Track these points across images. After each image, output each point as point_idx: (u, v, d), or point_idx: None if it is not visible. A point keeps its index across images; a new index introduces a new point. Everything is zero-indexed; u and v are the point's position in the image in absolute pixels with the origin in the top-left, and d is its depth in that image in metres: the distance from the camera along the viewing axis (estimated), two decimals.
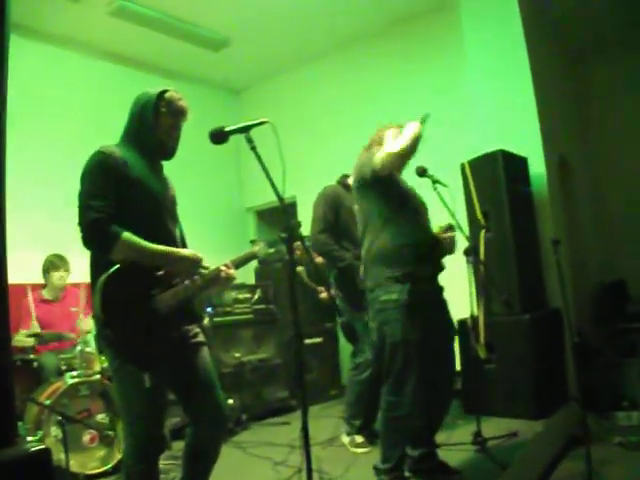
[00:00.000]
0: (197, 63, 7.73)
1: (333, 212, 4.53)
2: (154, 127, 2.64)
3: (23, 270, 5.14)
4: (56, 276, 5.20)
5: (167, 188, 2.80)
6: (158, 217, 2.66)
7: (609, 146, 7.38)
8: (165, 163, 2.81)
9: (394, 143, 3.34)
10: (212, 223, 7.94)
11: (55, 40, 6.61)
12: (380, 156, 3.32)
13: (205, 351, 2.74)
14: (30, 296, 5.00)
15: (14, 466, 1.38)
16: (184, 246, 2.82)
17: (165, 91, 2.68)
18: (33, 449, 1.42)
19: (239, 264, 2.75)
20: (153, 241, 2.50)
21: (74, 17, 6.28)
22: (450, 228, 4.70)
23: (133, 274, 2.45)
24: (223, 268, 2.64)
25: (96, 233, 2.41)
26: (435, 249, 3.48)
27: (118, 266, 2.39)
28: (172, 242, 2.66)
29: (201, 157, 7.01)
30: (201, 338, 2.75)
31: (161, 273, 2.49)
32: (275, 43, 7.36)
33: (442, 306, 3.61)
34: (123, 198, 2.49)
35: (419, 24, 6.90)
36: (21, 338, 4.71)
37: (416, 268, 3.31)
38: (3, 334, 1.52)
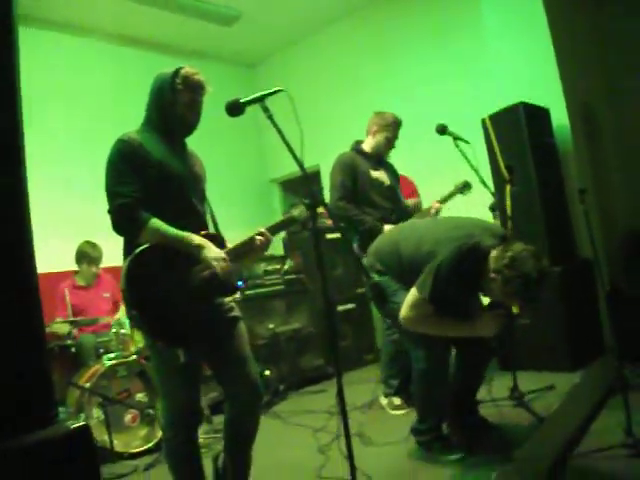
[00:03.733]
0: (210, 40, 7.73)
1: (350, 179, 4.52)
2: (173, 104, 2.66)
3: (57, 258, 5.24)
4: (88, 267, 5.29)
5: (192, 166, 2.84)
6: (184, 198, 2.70)
7: (635, 94, 7.22)
8: (189, 139, 2.85)
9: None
10: (237, 196, 7.99)
11: (67, 27, 6.64)
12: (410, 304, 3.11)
13: (240, 326, 2.78)
14: (65, 284, 5.11)
15: (56, 443, 1.42)
16: (214, 224, 2.84)
17: (180, 68, 2.69)
18: (73, 426, 1.45)
19: (277, 229, 2.77)
20: (181, 222, 2.56)
21: (85, 2, 6.28)
22: (465, 186, 4.68)
23: (159, 253, 2.49)
24: (258, 237, 2.64)
25: (124, 219, 2.49)
26: None
27: (142, 248, 2.44)
28: (200, 222, 2.73)
29: (222, 132, 7.03)
30: (236, 312, 2.80)
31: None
32: (286, 13, 7.31)
33: None
34: (147, 182, 2.54)
35: None
36: (57, 325, 4.79)
37: None
38: (36, 321, 1.55)
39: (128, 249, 2.53)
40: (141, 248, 2.44)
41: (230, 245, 2.69)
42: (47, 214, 4.84)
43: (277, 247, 7.53)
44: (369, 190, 4.50)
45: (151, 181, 2.55)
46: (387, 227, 4.30)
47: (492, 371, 4.91)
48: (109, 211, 2.51)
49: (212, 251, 2.54)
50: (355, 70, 7.47)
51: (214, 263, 2.51)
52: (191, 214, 2.70)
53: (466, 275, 2.99)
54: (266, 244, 2.67)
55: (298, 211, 2.77)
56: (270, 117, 2.32)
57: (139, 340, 4.35)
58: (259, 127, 8.10)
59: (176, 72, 2.67)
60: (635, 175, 7.11)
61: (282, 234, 7.80)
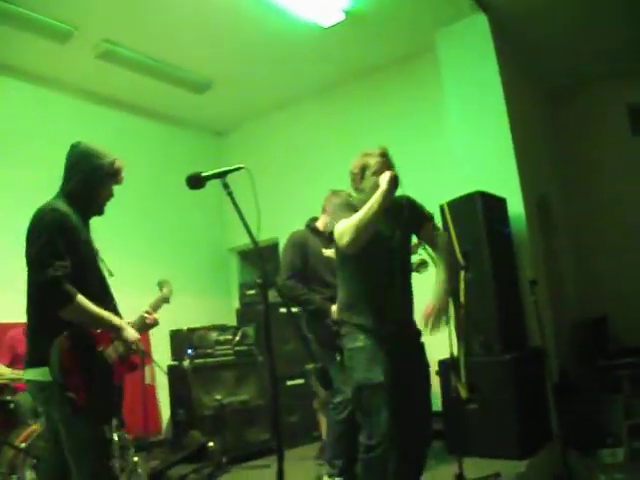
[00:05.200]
0: (181, 105, 7.80)
1: (300, 257, 4.53)
2: (100, 192, 2.81)
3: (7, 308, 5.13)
4: None
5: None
6: (99, 275, 2.83)
7: (587, 182, 7.49)
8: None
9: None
10: (195, 263, 7.95)
11: (41, 80, 6.66)
12: (338, 231, 3.20)
13: None
14: (14, 331, 5.03)
15: None
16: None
17: (115, 160, 2.81)
18: None
19: (156, 308, 3.11)
20: (98, 299, 2.67)
21: (61, 59, 6.35)
22: (422, 264, 4.75)
23: (82, 335, 2.59)
24: (146, 315, 2.99)
25: (53, 291, 2.49)
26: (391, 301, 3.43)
27: (65, 334, 2.51)
28: (111, 298, 2.90)
29: (183, 198, 7.05)
30: None
31: (99, 331, 2.66)
32: (257, 86, 7.44)
33: (417, 351, 3.57)
34: (74, 258, 2.59)
35: (399, 68, 7.05)
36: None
37: (373, 321, 3.31)
38: None
39: (42, 323, 2.58)
40: (64, 335, 2.49)
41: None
42: None
43: (230, 317, 7.48)
44: (320, 268, 4.52)
45: (77, 259, 2.60)
46: (335, 307, 4.31)
47: (439, 455, 4.90)
48: (37, 280, 2.53)
49: (130, 332, 2.74)
50: (321, 147, 7.59)
51: (135, 342, 2.73)
52: (104, 292, 2.83)
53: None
54: (154, 321, 3.04)
55: (166, 289, 3.27)
56: (230, 194, 2.36)
57: None
58: (220, 196, 8.08)
59: (112, 163, 2.79)
60: (585, 266, 7.30)
61: (236, 304, 7.77)
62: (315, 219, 4.74)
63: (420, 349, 3.55)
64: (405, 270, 3.56)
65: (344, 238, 3.12)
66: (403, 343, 3.43)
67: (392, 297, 3.39)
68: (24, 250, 2.63)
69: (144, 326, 2.98)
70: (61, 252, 2.53)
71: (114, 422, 2.69)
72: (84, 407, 2.48)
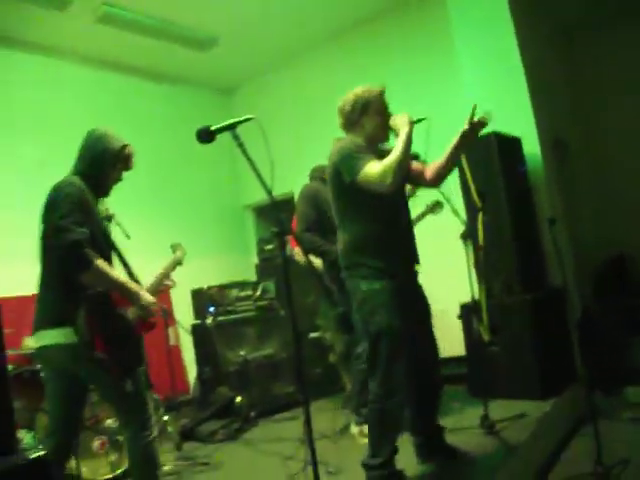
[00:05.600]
0: (187, 64, 7.71)
1: (314, 209, 4.56)
2: (109, 175, 2.99)
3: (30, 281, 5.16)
4: None
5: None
6: (107, 248, 3.00)
7: (605, 122, 7.34)
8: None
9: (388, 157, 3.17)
10: (211, 221, 7.97)
11: (43, 49, 6.60)
12: (376, 171, 3.14)
13: None
14: None
15: (15, 472, 1.42)
16: (126, 265, 3.17)
17: (126, 146, 2.99)
18: (32, 456, 1.44)
19: (169, 270, 3.38)
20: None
21: (61, 26, 6.27)
22: (437, 205, 4.73)
23: (102, 297, 2.78)
24: (161, 278, 3.30)
25: (75, 254, 2.64)
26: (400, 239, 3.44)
27: (89, 294, 2.70)
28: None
29: (196, 158, 7.03)
30: None
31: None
32: (263, 39, 7.33)
33: (419, 292, 3.60)
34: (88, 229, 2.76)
35: (409, 11, 6.91)
36: (27, 342, 4.75)
37: (389, 261, 3.31)
38: None
39: (65, 287, 2.72)
40: (86, 296, 2.68)
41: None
42: (16, 237, 4.80)
43: (250, 273, 7.51)
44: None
45: (90, 230, 2.74)
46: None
47: (463, 398, 4.93)
48: (58, 244, 2.64)
49: (146, 297, 2.90)
50: (332, 97, 7.44)
51: (151, 307, 2.91)
52: (110, 263, 2.96)
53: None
54: (169, 284, 3.37)
55: (179, 252, 3.53)
56: (240, 145, 2.33)
57: None
58: (233, 153, 8.07)
59: (122, 149, 2.96)
60: (605, 204, 7.21)
61: (255, 259, 7.80)
62: (321, 169, 4.69)
63: (419, 286, 3.60)
64: (406, 206, 3.59)
65: (387, 179, 3.10)
66: (411, 282, 3.46)
67: (400, 235, 3.43)
68: (41, 218, 2.81)
69: (159, 289, 3.23)
70: (80, 219, 2.68)
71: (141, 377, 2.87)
72: (107, 363, 2.68)
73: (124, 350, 2.79)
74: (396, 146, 3.16)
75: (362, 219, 3.35)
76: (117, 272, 2.88)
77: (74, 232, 2.62)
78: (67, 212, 2.66)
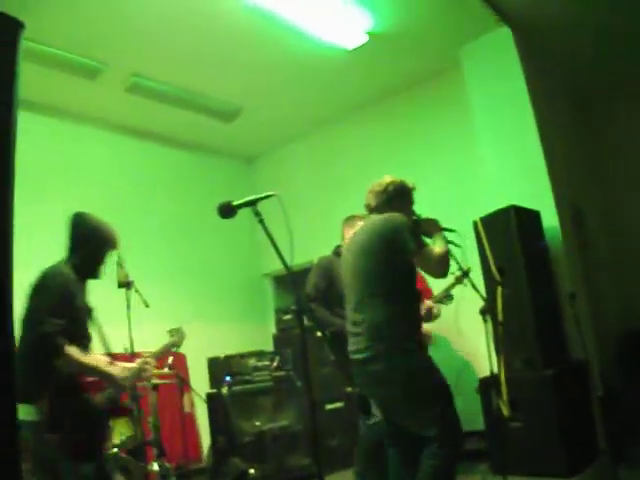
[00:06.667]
0: (211, 134, 7.88)
1: (325, 281, 4.59)
2: (99, 264, 3.31)
3: None
4: None
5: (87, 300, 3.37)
6: (86, 331, 3.25)
7: (621, 190, 7.35)
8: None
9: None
10: (229, 289, 7.97)
11: (72, 116, 6.78)
12: (440, 252, 3.36)
13: None
14: None
15: None
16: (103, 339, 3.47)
17: (116, 239, 3.35)
18: None
19: (159, 355, 3.53)
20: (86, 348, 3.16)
21: (91, 93, 6.47)
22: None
23: (69, 382, 3.00)
24: (146, 366, 3.35)
25: (47, 344, 2.92)
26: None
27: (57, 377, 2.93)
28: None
29: (215, 226, 7.08)
30: None
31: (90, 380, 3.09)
32: (285, 111, 7.49)
33: None
34: (68, 318, 3.02)
35: (427, 86, 7.04)
36: None
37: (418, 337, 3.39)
38: None
39: (37, 367, 2.94)
40: (54, 381, 2.92)
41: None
42: None
43: (267, 342, 7.47)
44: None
45: (70, 318, 3.03)
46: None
47: (484, 475, 4.81)
48: (32, 332, 2.89)
49: (121, 377, 3.15)
50: (352, 168, 7.58)
51: (125, 385, 3.19)
52: (87, 341, 3.22)
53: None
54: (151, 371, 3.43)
55: (176, 337, 3.65)
56: (261, 221, 2.38)
57: (122, 431, 4.23)
58: (252, 221, 8.09)
59: (116, 242, 3.35)
60: (625, 278, 7.15)
61: (273, 329, 7.77)
62: (341, 246, 4.72)
63: None
64: None
65: (445, 267, 3.38)
66: None
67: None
68: (27, 298, 3.07)
69: (141, 374, 3.35)
70: (59, 312, 2.97)
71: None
72: (66, 447, 2.87)
73: (81, 434, 2.94)
74: (439, 243, 3.40)
75: (408, 293, 3.39)
76: (91, 357, 3.11)
77: (49, 324, 2.89)
78: (47, 305, 2.97)
